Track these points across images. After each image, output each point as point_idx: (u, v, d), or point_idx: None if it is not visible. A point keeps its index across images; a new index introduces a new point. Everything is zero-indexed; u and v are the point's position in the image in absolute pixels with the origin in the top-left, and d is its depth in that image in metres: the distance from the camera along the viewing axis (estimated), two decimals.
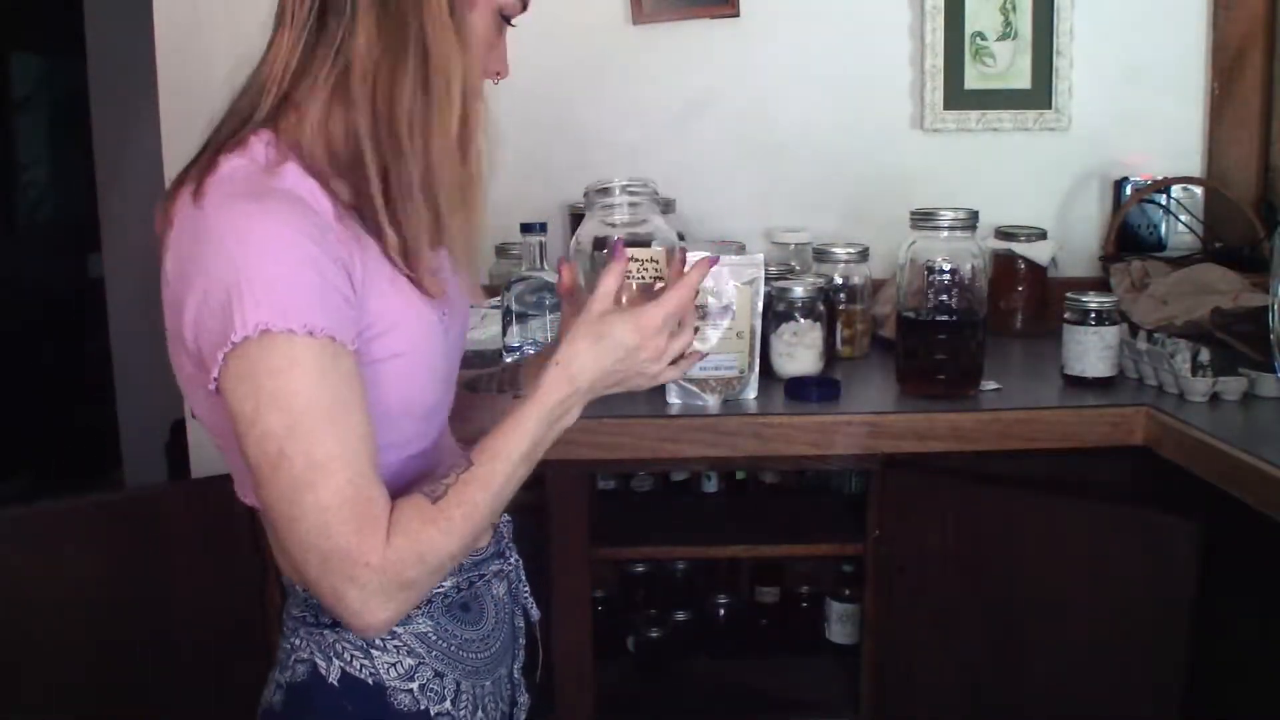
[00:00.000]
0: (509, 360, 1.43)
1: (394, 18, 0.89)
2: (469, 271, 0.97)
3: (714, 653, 2.01)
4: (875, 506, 1.64)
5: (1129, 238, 2.07)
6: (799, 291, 1.73)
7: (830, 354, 1.78)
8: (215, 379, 0.84)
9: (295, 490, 0.82)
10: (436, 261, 0.94)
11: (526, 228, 1.78)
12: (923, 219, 1.63)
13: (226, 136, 0.92)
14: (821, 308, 1.74)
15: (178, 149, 2.18)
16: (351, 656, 0.96)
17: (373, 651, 0.96)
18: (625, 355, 0.95)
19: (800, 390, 1.65)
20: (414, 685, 0.97)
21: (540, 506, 1.68)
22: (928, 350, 1.62)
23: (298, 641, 0.97)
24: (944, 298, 1.62)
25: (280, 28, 0.93)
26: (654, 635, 1.94)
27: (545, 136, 2.13)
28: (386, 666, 0.96)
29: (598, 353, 0.94)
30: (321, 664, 0.96)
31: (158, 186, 2.20)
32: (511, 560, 1.10)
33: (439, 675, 0.98)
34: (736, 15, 2.10)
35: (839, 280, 1.88)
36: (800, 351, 1.71)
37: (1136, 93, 2.12)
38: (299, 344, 0.82)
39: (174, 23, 2.13)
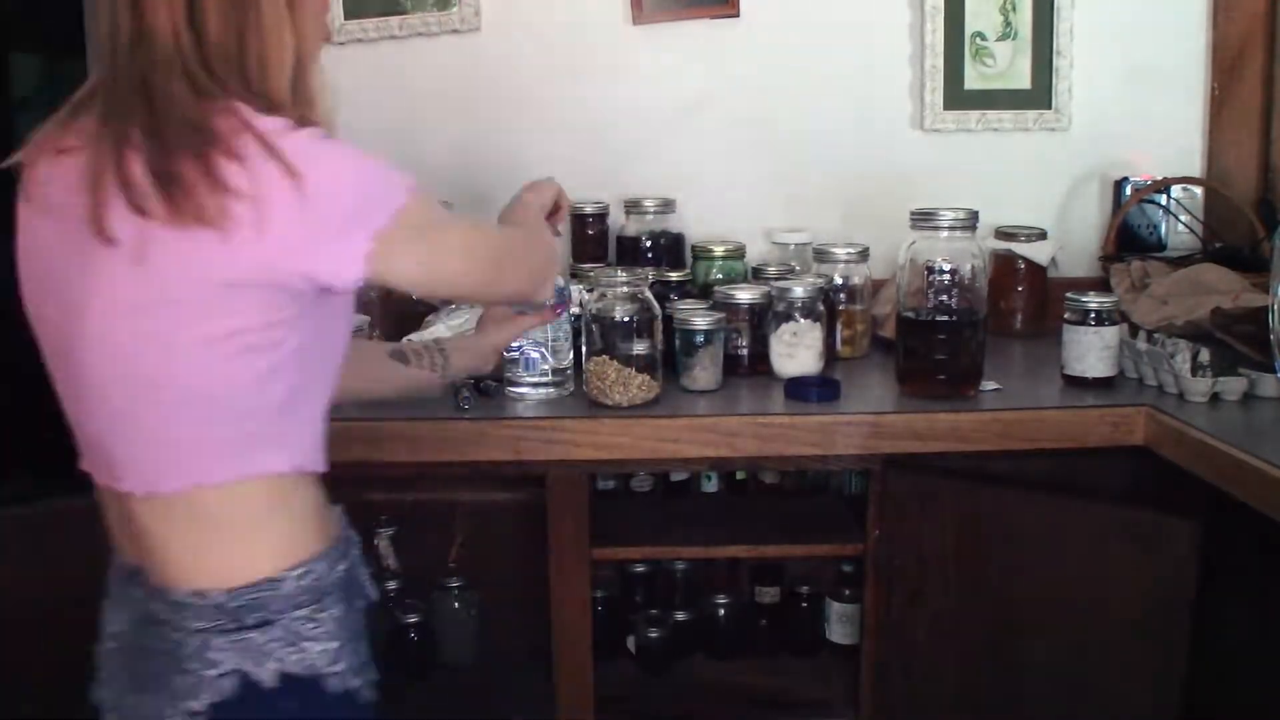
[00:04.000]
0: (440, 339, 1.51)
1: None
2: None
3: (714, 653, 2.00)
4: (875, 506, 1.64)
5: (1129, 238, 2.07)
6: (799, 291, 1.73)
7: (830, 354, 1.78)
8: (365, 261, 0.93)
9: (495, 254, 1.12)
10: None
11: None
12: (923, 219, 1.63)
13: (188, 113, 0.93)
14: (821, 308, 1.74)
15: None
16: (285, 654, 0.96)
17: (304, 643, 0.97)
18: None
19: (800, 390, 1.65)
20: (339, 666, 0.99)
21: (540, 506, 1.68)
22: (928, 350, 1.62)
23: (213, 656, 0.94)
24: (944, 298, 1.62)
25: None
26: (654, 635, 1.94)
27: (545, 136, 2.13)
28: (318, 654, 0.97)
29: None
30: (252, 670, 0.94)
31: None
32: (355, 541, 1.12)
33: (354, 651, 1.02)
34: (736, 15, 2.10)
35: (839, 280, 1.87)
36: (800, 351, 1.71)
37: (1136, 93, 2.12)
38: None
39: None
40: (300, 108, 0.97)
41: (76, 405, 0.99)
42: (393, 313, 1.84)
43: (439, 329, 1.72)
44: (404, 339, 1.74)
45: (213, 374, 0.92)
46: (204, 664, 0.94)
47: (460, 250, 1.07)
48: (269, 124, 0.91)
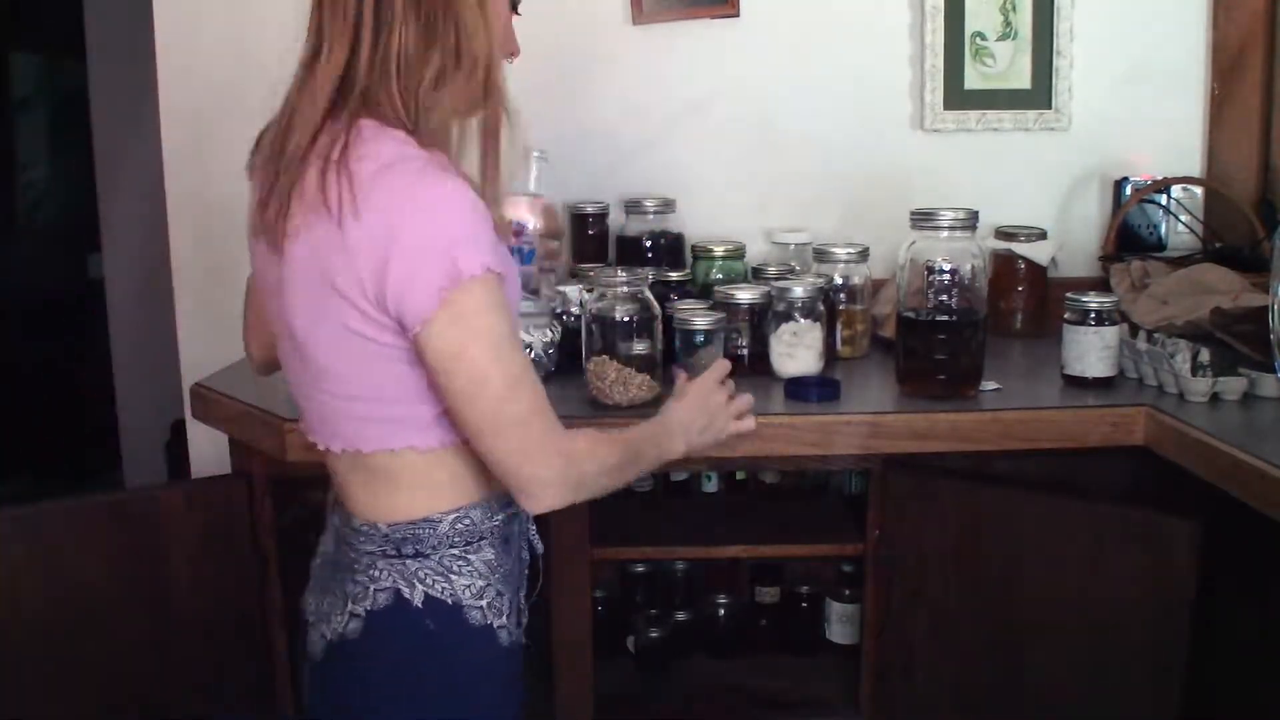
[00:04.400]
0: None
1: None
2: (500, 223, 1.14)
3: (714, 653, 2.01)
4: (875, 506, 1.64)
5: (1129, 238, 2.07)
6: (799, 291, 1.73)
7: (830, 354, 1.78)
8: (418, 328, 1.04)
9: (500, 403, 1.06)
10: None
11: None
12: (923, 219, 1.63)
13: (314, 129, 1.06)
14: (821, 308, 1.74)
15: (178, 149, 2.19)
16: (434, 581, 1.12)
17: (451, 576, 1.13)
18: (696, 406, 1.36)
19: (800, 390, 1.65)
20: (483, 603, 1.14)
21: None
22: (928, 350, 1.62)
23: (376, 573, 1.13)
24: (944, 298, 1.62)
25: (330, 33, 1.08)
26: (654, 635, 1.94)
27: (545, 136, 2.12)
28: (463, 588, 1.13)
29: (680, 405, 1.35)
30: (405, 589, 1.12)
31: (157, 186, 2.21)
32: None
33: (500, 594, 1.16)
34: (736, 15, 2.10)
35: (839, 280, 1.88)
36: (800, 351, 1.71)
37: (1136, 93, 2.12)
38: (493, 283, 1.05)
39: (174, 23, 2.13)
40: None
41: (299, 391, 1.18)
42: None
43: None
44: None
45: (364, 370, 1.09)
46: (369, 579, 1.13)
47: (480, 379, 1.07)
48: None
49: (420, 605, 1.12)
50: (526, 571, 1.26)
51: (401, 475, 1.14)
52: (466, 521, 1.15)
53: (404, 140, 1.06)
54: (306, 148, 1.05)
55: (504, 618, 1.16)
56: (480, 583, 1.15)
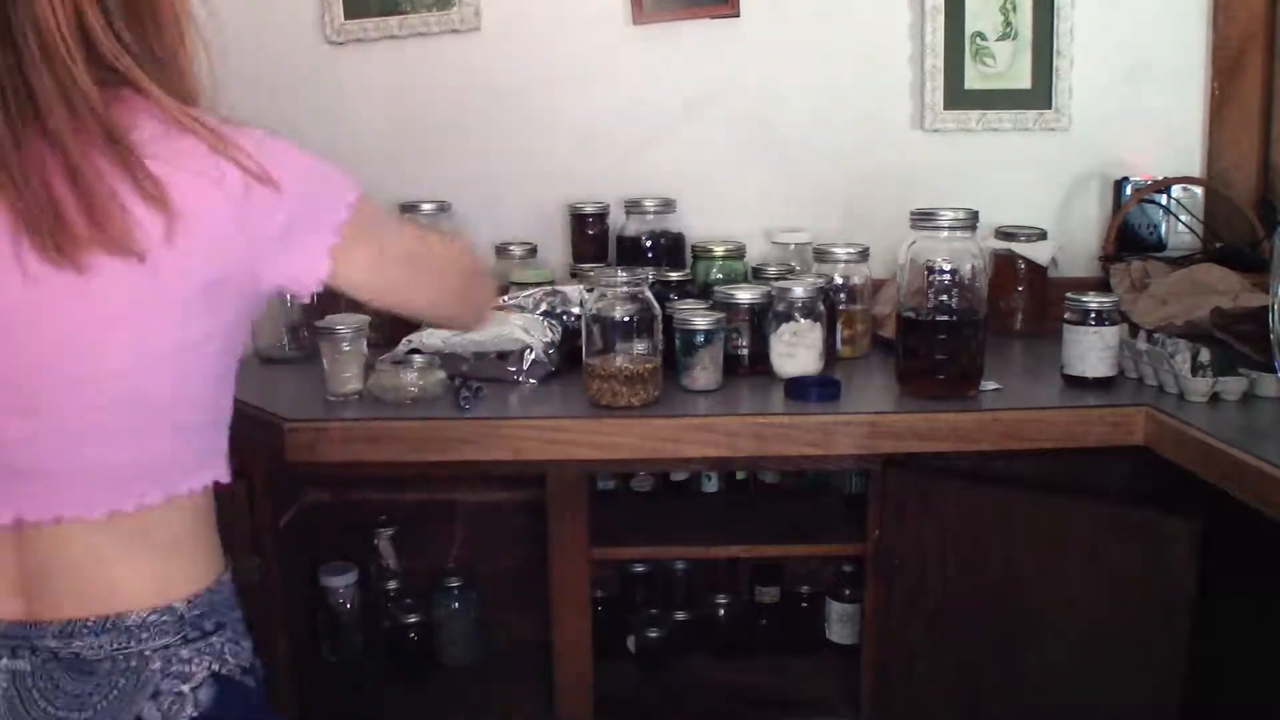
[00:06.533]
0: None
1: None
2: None
3: (714, 653, 2.01)
4: (875, 506, 1.64)
5: (1129, 238, 2.07)
6: (799, 291, 1.73)
7: (830, 354, 1.78)
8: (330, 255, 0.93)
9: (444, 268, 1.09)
10: None
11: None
12: (923, 219, 1.63)
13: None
14: (821, 308, 1.74)
15: None
16: (236, 650, 0.97)
17: (241, 641, 0.98)
18: None
19: (800, 390, 1.65)
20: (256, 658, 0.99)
21: (540, 506, 1.68)
22: (928, 350, 1.62)
23: (184, 667, 0.92)
24: (944, 298, 1.62)
25: None
26: (654, 635, 1.94)
27: (545, 136, 2.13)
28: (249, 648, 0.99)
29: None
30: (220, 670, 0.94)
31: None
32: None
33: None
34: (736, 15, 2.10)
35: (839, 280, 1.87)
36: (800, 351, 1.71)
37: (1136, 93, 2.12)
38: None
39: None
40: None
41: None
42: (388, 314, 1.84)
43: (439, 331, 1.72)
44: (403, 339, 1.75)
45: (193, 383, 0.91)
46: (177, 679, 0.92)
47: (408, 258, 1.05)
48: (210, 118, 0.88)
49: (240, 681, 0.96)
50: None
51: (181, 534, 0.95)
52: (228, 576, 1.00)
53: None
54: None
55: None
56: (247, 643, 0.99)
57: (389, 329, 1.80)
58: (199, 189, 0.84)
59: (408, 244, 1.06)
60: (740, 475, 1.96)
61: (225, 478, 0.97)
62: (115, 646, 0.90)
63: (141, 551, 0.91)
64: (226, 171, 0.85)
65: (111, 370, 0.85)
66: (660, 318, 1.65)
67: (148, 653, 0.91)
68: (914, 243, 1.63)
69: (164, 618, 0.92)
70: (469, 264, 1.17)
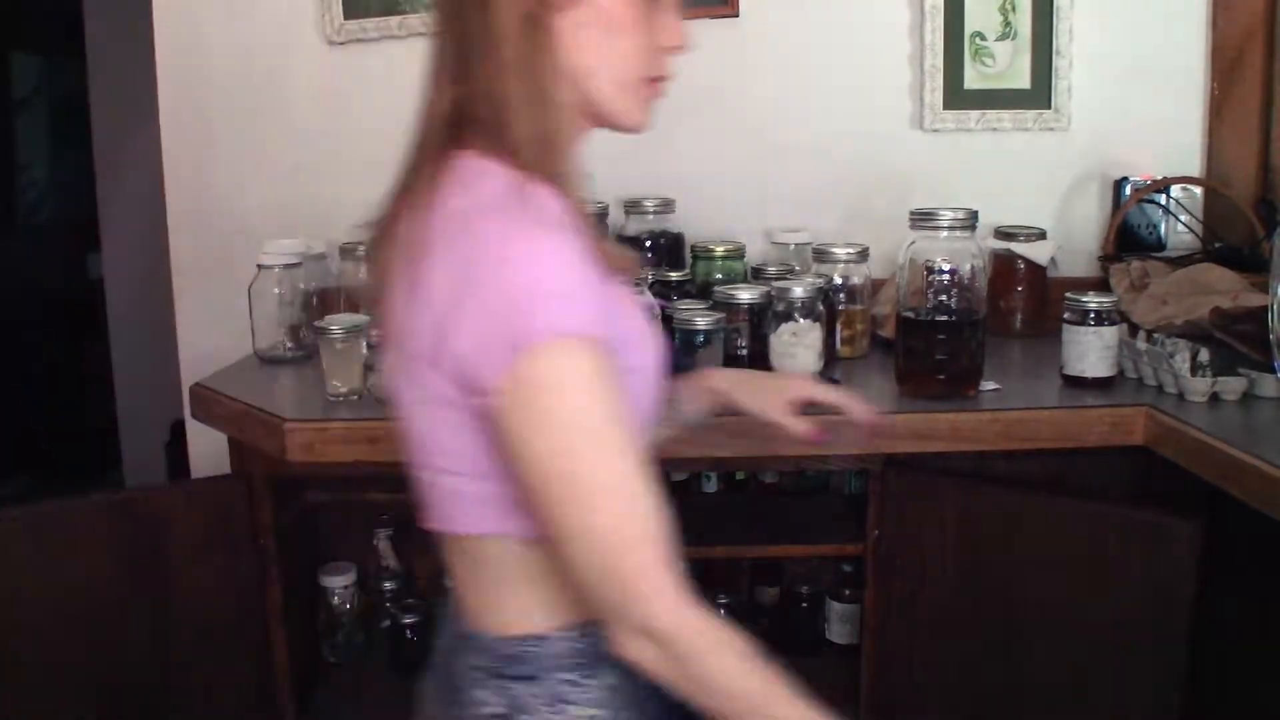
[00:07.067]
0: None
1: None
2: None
3: None
4: (875, 506, 1.64)
5: (1129, 238, 2.07)
6: (799, 291, 1.73)
7: (830, 354, 1.78)
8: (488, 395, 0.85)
9: (584, 511, 0.86)
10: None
11: None
12: (922, 219, 1.63)
13: (423, 162, 0.97)
14: (821, 308, 1.74)
15: (177, 149, 2.19)
16: (547, 712, 0.93)
17: (563, 705, 0.93)
18: None
19: None
20: None
21: None
22: (928, 350, 1.62)
23: (484, 694, 0.94)
24: (944, 298, 1.62)
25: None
26: None
27: None
28: (578, 718, 0.93)
29: None
30: (510, 717, 0.93)
31: (157, 187, 2.21)
32: None
33: None
34: (736, 15, 2.10)
35: (839, 280, 1.87)
36: (800, 351, 1.71)
37: (1136, 93, 2.12)
38: (584, 350, 0.84)
39: (174, 23, 2.13)
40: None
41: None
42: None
43: None
44: None
45: (444, 435, 0.92)
46: (475, 702, 0.95)
47: (569, 477, 0.86)
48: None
49: None
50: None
51: (504, 571, 0.94)
52: (584, 642, 0.93)
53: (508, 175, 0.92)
54: (399, 196, 0.95)
55: None
56: (600, 712, 0.93)
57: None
58: None
59: (583, 464, 0.90)
60: (740, 475, 1.96)
61: (524, 533, 0.93)
62: (456, 649, 1.00)
63: (468, 574, 0.98)
64: None
65: None
66: (660, 318, 1.65)
67: (467, 665, 0.97)
68: (913, 243, 1.63)
69: (475, 641, 0.97)
70: (644, 578, 0.93)
